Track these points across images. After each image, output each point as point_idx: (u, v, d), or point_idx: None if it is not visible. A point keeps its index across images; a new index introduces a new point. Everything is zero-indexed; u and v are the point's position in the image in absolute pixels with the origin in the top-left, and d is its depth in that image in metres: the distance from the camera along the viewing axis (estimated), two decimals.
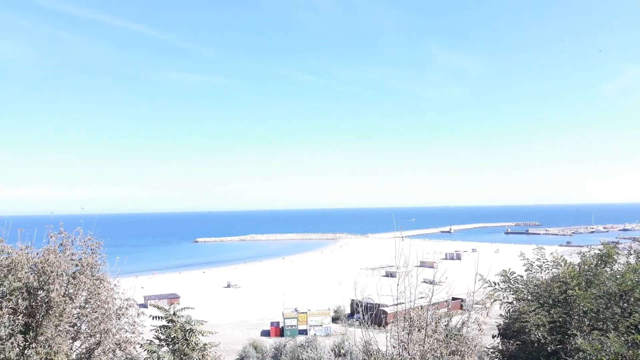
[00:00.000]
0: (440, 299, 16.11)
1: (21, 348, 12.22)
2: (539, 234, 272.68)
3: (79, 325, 13.62)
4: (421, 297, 12.55)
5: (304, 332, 59.21)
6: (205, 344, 16.29)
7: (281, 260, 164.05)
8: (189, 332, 16.40)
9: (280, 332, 60.53)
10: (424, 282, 15.26)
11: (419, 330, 11.46)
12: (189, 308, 17.26)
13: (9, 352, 11.65)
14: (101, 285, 13.99)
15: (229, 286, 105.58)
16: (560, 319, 12.05)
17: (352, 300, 67.02)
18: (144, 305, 68.11)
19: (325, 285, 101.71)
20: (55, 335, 12.29)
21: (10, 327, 11.87)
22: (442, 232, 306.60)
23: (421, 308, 12.29)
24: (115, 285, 14.49)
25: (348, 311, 68.19)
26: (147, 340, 15.77)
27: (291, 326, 60.97)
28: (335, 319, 65.40)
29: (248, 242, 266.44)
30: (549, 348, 11.77)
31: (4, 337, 11.71)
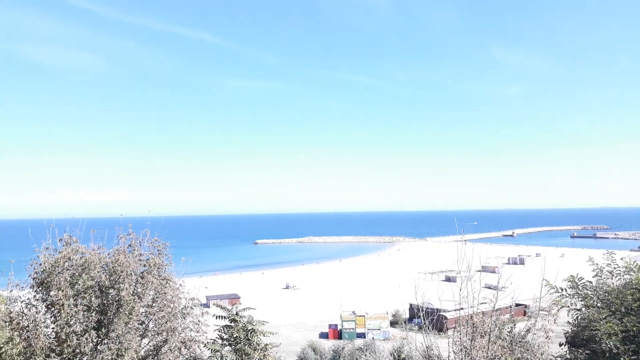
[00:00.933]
0: (503, 305, 15.68)
1: (94, 343, 12.88)
2: (607, 238, 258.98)
3: (146, 323, 14.21)
4: (483, 303, 12.27)
5: (362, 335, 58.98)
6: (266, 345, 16.58)
7: (338, 262, 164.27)
8: (251, 332, 16.74)
9: (339, 335, 60.56)
10: (486, 287, 14.88)
11: (481, 336, 11.21)
12: (250, 308, 17.62)
13: (84, 346, 12.31)
14: (167, 285, 14.54)
15: (287, 287, 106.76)
16: (635, 328, 11.46)
17: (411, 304, 66.14)
18: (206, 305, 70.00)
19: (382, 288, 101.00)
20: (125, 332, 12.87)
21: (84, 324, 12.54)
22: (504, 235, 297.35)
23: (483, 314, 12.02)
24: (180, 285, 15.01)
25: (406, 315, 67.39)
26: (211, 339, 16.24)
27: (349, 329, 60.86)
28: (393, 323, 64.74)
29: (305, 244, 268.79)
30: (622, 358, 11.22)
31: (79, 332, 12.39)
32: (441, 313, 51.23)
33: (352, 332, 60.51)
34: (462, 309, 12.48)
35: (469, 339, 11.13)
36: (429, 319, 13.58)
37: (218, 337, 16.84)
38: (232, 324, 17.00)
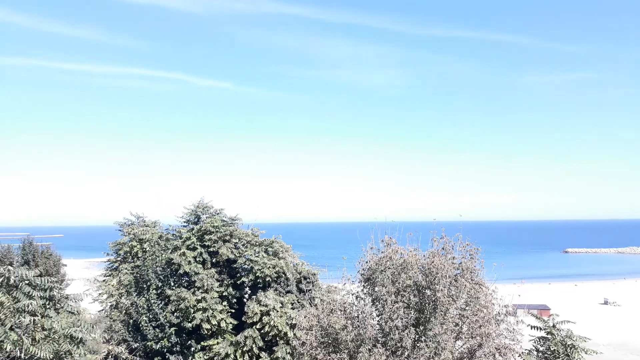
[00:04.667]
0: None
1: (413, 340, 13.77)
2: None
3: (460, 325, 14.49)
4: None
5: None
6: None
7: None
8: (570, 348, 15.43)
9: None
10: None
11: None
12: (569, 322, 16.27)
13: (405, 341, 13.28)
14: (480, 289, 14.56)
15: (606, 303, 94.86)
16: None
17: None
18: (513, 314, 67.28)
19: None
20: (441, 332, 13.36)
21: (405, 320, 13.53)
22: None
23: None
24: (493, 291, 14.86)
25: None
26: (525, 349, 15.57)
27: None
28: None
29: (627, 255, 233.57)
30: None
31: (401, 327, 13.42)
32: None
33: None
34: None
35: None
36: None
37: (533, 348, 16.08)
38: (549, 336, 16.02)
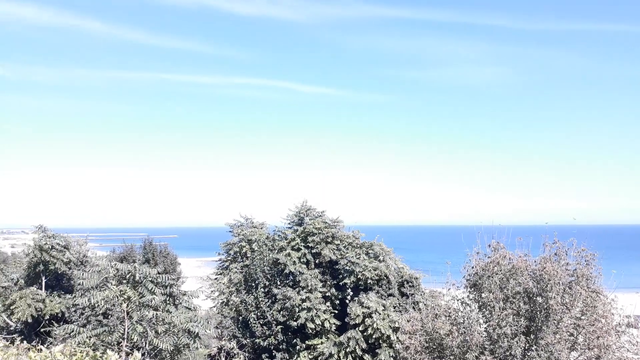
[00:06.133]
0: None
1: (523, 349, 13.23)
2: None
3: (575, 336, 13.69)
4: None
5: None
6: None
7: None
8: None
9: None
10: None
11: None
12: None
13: (515, 349, 12.81)
14: (597, 298, 13.68)
15: None
16: None
17: None
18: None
19: None
20: (554, 342, 12.73)
21: (514, 328, 13.05)
22: None
23: None
24: (612, 300, 13.90)
25: None
26: None
27: None
28: None
29: None
30: None
31: (510, 335, 12.96)
32: None
33: None
34: None
35: None
36: None
37: None
38: None
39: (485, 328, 13.88)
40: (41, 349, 6.49)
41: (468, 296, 14.42)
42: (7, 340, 8.27)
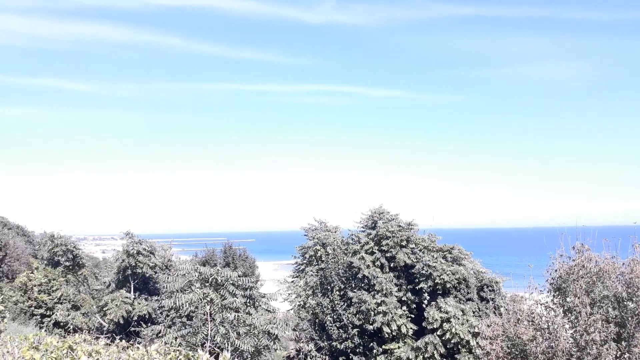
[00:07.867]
0: None
1: (613, 357, 12.54)
2: None
3: None
4: None
5: None
6: None
7: None
8: None
9: None
10: None
11: None
12: None
13: (604, 357, 12.17)
14: None
15: None
16: None
17: None
18: None
19: None
20: None
21: (604, 334, 12.39)
22: None
23: None
24: None
25: None
26: None
27: None
28: None
29: None
30: None
31: (599, 342, 12.33)
32: None
33: None
34: None
35: None
36: None
37: None
38: None
39: (571, 334, 13.29)
40: (138, 347, 7.00)
41: (552, 300, 13.86)
42: (108, 339, 8.95)
